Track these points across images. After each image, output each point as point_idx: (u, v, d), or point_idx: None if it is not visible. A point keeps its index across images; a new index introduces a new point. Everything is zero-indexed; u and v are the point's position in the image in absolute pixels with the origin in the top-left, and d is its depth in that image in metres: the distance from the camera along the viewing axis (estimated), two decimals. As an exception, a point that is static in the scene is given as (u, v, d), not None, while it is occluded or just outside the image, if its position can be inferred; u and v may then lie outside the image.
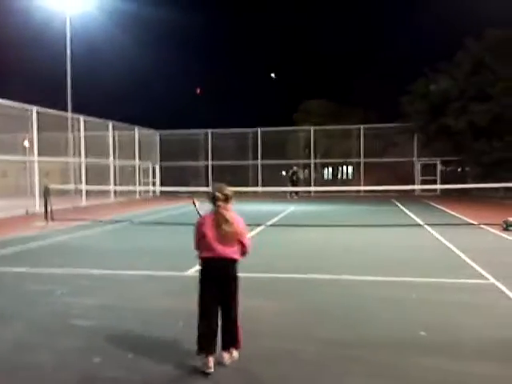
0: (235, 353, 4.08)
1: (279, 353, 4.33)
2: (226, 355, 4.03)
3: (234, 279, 4.07)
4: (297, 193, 25.70)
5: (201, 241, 4.08)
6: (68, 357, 4.25)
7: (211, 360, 3.88)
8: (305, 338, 4.66)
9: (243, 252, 4.14)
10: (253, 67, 57.48)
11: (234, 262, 4.06)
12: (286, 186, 26.76)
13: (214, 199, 4.06)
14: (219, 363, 3.95)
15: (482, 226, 12.54)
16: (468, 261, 8.12)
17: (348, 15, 60.29)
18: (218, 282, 4.03)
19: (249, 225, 11.74)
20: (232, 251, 4.03)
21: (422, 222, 13.61)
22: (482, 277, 7.00)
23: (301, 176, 28.43)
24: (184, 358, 4.14)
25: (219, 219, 4.01)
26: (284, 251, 9.55)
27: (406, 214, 16.55)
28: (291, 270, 7.59)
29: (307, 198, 25.81)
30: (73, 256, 9.18)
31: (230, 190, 4.15)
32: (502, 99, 21.30)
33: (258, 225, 12.99)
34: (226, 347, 4.05)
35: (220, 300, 4.03)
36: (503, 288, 6.32)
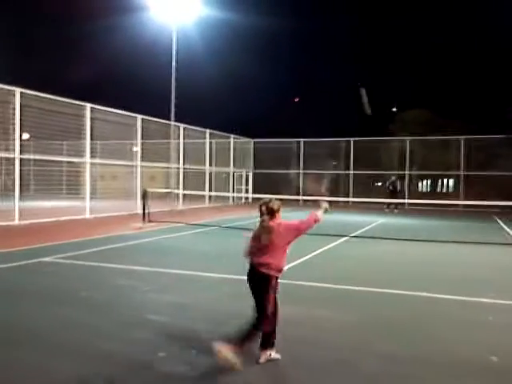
0: (269, 353, 4.29)
1: (334, 363, 4.38)
2: (261, 354, 4.28)
3: (263, 289, 4.30)
4: (396, 205, 23.35)
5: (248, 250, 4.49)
6: (135, 348, 4.65)
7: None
8: (364, 351, 4.65)
9: (309, 226, 4.42)
10: (347, 76, 56.85)
11: (265, 275, 4.31)
12: (381, 197, 24.87)
13: (260, 212, 4.39)
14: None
15: None
16: None
17: (448, 18, 57.43)
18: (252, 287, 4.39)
19: (331, 235, 11.67)
20: (266, 264, 4.30)
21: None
22: None
23: (398, 186, 25.50)
24: (245, 359, 4.36)
25: (260, 231, 4.39)
26: (361, 263, 9.44)
27: (507, 231, 15.41)
28: (365, 283, 7.50)
29: (401, 211, 24.91)
30: (160, 256, 9.85)
31: (276, 203, 4.41)
32: None
33: (342, 235, 12.91)
34: (262, 346, 4.30)
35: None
36: None
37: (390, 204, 23.26)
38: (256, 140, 31.73)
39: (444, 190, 36.75)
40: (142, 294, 6.65)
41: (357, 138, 29.03)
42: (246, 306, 6.07)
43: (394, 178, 25.34)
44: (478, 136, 26.57)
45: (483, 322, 5.64)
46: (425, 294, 6.88)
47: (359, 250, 11.15)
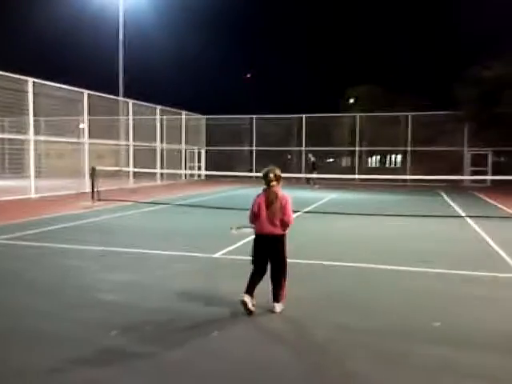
0: (280, 305, 4.93)
1: (287, 333, 4.45)
2: (275, 305, 4.93)
3: (280, 249, 4.94)
4: (315, 180, 24.12)
5: (255, 217, 4.94)
6: (86, 328, 4.54)
7: (247, 299, 4.80)
8: (319, 322, 4.74)
9: (285, 225, 4.92)
10: (299, 53, 56.84)
11: (279, 236, 4.94)
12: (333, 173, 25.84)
13: (267, 180, 4.88)
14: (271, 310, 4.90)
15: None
16: (502, 254, 7.88)
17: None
18: (268, 251, 4.95)
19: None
20: (277, 228, 4.90)
21: (463, 214, 13.23)
22: (513, 271, 6.80)
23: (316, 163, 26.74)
24: (199, 335, 4.35)
25: (271, 196, 4.87)
26: (313, 238, 9.61)
27: (450, 205, 16.10)
28: (317, 256, 7.64)
29: (350, 186, 25.47)
30: (109, 235, 9.62)
31: (279, 170, 4.97)
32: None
33: (295, 211, 13.05)
34: (274, 299, 4.94)
35: (269, 262, 4.97)
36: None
37: (309, 179, 24.41)
38: (208, 116, 31.35)
39: (392, 165, 37.79)
40: (91, 274, 6.48)
41: (309, 115, 29.23)
42: (196, 284, 6.08)
43: (310, 155, 26.34)
44: (425, 112, 27.36)
45: (429, 291, 5.87)
46: (376, 266, 7.09)
47: (311, 225, 11.31)
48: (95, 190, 15.15)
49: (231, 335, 4.38)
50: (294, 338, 4.43)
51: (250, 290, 4.91)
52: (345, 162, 34.98)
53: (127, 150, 23.99)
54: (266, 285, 5.00)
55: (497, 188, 22.83)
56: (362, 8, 64.64)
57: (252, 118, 30.43)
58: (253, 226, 5.06)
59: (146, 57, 39.10)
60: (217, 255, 7.62)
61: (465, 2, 46.66)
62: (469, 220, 11.95)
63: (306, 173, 26.52)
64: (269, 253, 4.97)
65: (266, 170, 4.98)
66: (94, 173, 15.14)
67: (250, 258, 5.06)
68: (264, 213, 4.88)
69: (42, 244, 8.51)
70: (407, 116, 28.17)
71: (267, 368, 3.74)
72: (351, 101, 36.80)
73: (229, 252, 7.85)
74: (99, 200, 15.04)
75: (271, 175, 4.88)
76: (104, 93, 21.86)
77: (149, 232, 10.15)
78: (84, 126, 20.26)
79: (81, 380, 3.54)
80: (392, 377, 3.63)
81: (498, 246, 8.51)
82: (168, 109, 27.29)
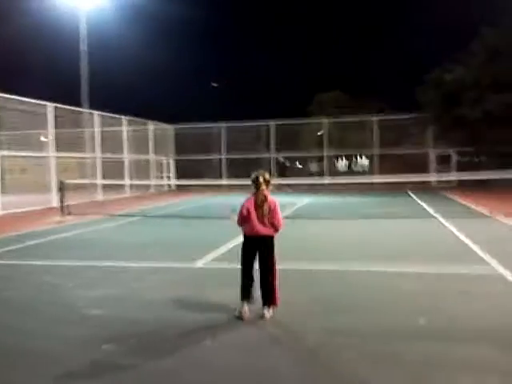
0: (271, 310, 4.92)
1: (279, 339, 4.43)
2: (265, 311, 4.91)
3: (270, 251, 5.01)
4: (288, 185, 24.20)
5: (244, 220, 4.95)
6: (74, 343, 4.40)
7: (246, 306, 4.90)
8: (308, 326, 4.73)
9: (275, 229, 5.00)
10: (265, 60, 57.29)
11: (270, 238, 5.01)
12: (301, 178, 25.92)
13: (256, 184, 4.94)
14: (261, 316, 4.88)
15: (495, 216, 12.43)
16: (476, 250, 8.10)
17: (362, 5, 59.63)
18: (258, 253, 5.00)
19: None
20: (268, 229, 4.96)
21: (433, 213, 13.55)
22: (488, 266, 6.98)
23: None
24: (189, 344, 4.28)
25: (260, 199, 4.91)
26: (292, 243, 9.63)
27: (419, 204, 16.47)
28: (297, 260, 7.66)
29: (320, 190, 25.71)
30: (85, 249, 9.39)
31: (267, 174, 5.06)
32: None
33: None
34: (265, 303, 4.94)
35: (259, 266, 5.00)
36: (510, 278, 6.31)
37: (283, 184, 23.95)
38: (176, 126, 31.11)
39: (359, 168, 38.39)
40: (69, 291, 6.28)
41: (277, 121, 29.40)
42: (180, 293, 5.99)
43: (282, 159, 26.54)
44: (389, 116, 27.99)
45: (411, 290, 5.97)
46: (356, 268, 7.16)
47: (292, 230, 11.32)
48: (65, 204, 14.80)
49: (222, 343, 4.33)
50: (286, 343, 4.41)
51: (246, 295, 4.96)
52: (313, 166, 35.32)
53: (94, 163, 23.52)
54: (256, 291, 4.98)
55: (462, 187, 23.49)
56: (326, 14, 65.78)
57: (221, 126, 30.39)
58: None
59: (110, 67, 38.54)
60: (198, 265, 7.54)
61: (425, 6, 48.17)
62: (440, 219, 12.24)
63: (276, 177, 26.36)
64: (260, 254, 5.00)
65: (255, 174, 5.03)
66: (63, 187, 14.77)
67: (241, 263, 5.08)
68: (254, 215, 4.92)
69: (14, 262, 8.22)
70: (372, 120, 28.73)
71: (263, 375, 3.71)
72: (318, 107, 37.25)
73: (209, 262, 7.78)
74: (69, 214, 14.69)
75: (261, 179, 4.94)
76: (66, 104, 21.39)
77: (124, 245, 9.95)
78: (50, 139, 19.75)
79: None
80: (385, 376, 3.65)
81: (472, 243, 8.74)
82: (135, 119, 26.96)
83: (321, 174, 30.48)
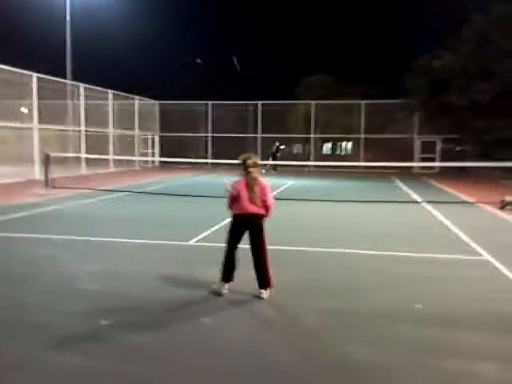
0: (268, 291, 4.98)
1: (279, 319, 4.49)
2: (263, 292, 4.97)
3: (261, 230, 5.01)
4: (275, 168, 24.75)
5: (234, 201, 4.95)
6: (73, 318, 4.41)
7: (227, 286, 5.02)
8: (303, 306, 4.82)
9: (267, 210, 5.02)
10: (254, 38, 56.52)
11: (261, 216, 5.01)
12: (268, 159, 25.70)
13: (245, 166, 4.92)
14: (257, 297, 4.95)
15: (479, 204, 12.68)
16: (463, 237, 8.27)
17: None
18: (249, 232, 4.99)
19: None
20: (260, 209, 4.96)
21: (419, 199, 13.76)
22: (476, 253, 7.15)
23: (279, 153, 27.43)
24: (181, 318, 4.31)
25: (251, 182, 4.91)
26: (280, 224, 9.68)
27: (404, 190, 16.68)
28: (286, 242, 7.73)
29: (305, 172, 25.83)
30: (73, 223, 9.31)
31: (257, 157, 5.05)
32: (505, 77, 21.13)
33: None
34: (261, 286, 4.98)
35: (251, 246, 5.01)
36: (497, 264, 6.48)
37: (265, 164, 24.18)
38: (161, 102, 30.66)
39: (343, 152, 38.53)
40: (65, 264, 6.25)
41: (265, 101, 29.24)
42: (177, 271, 6.01)
43: (277, 143, 27.22)
44: (377, 101, 28.08)
45: (405, 273, 6.09)
46: (344, 250, 7.27)
47: (281, 211, 11.38)
48: (49, 177, 14.58)
49: (221, 322, 4.37)
50: (285, 324, 4.48)
51: (227, 277, 5.03)
52: (296, 148, 35.31)
53: (77, 136, 23.11)
54: (252, 271, 5.03)
55: (445, 174, 23.88)
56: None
57: (207, 103, 30.09)
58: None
59: (95, 40, 37.61)
60: (191, 242, 7.55)
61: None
62: (426, 205, 12.44)
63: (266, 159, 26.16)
64: (251, 233, 4.99)
65: (244, 156, 5.01)
66: (48, 160, 14.52)
67: (226, 243, 5.09)
68: (245, 195, 4.90)
69: (3, 234, 8.11)
70: (360, 104, 28.79)
71: (262, 354, 3.77)
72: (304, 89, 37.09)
73: (202, 239, 7.79)
74: (54, 187, 14.49)
75: (249, 161, 4.93)
76: (50, 75, 20.83)
77: (114, 220, 9.89)
78: (33, 110, 19.28)
79: (71, 366, 3.44)
80: (384, 357, 3.75)
81: (460, 230, 8.91)
82: (120, 93, 26.49)
83: (305, 156, 30.58)
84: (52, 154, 15.43)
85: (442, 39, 24.13)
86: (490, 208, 11.90)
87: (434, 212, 11.18)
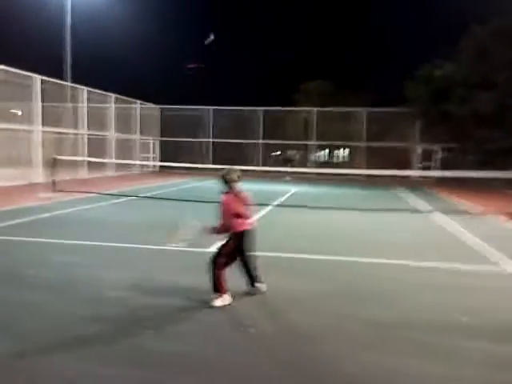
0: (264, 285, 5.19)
1: (329, 330, 4.40)
2: (261, 286, 5.16)
3: (253, 240, 5.14)
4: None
5: (237, 218, 4.86)
6: (118, 325, 4.31)
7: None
8: (348, 317, 4.72)
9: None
10: (253, 46, 56.63)
11: (253, 229, 5.10)
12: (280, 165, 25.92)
13: (229, 180, 4.91)
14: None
15: (485, 214, 12.67)
16: (487, 247, 8.21)
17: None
18: (247, 244, 5.04)
19: (257, 204, 11.65)
20: (252, 222, 5.10)
21: (429, 208, 13.74)
22: (505, 263, 7.09)
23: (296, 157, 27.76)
24: (223, 326, 4.22)
25: (241, 196, 4.97)
26: (294, 232, 9.60)
27: (413, 199, 16.67)
28: (300, 250, 7.64)
29: (302, 179, 25.69)
30: (86, 228, 9.18)
31: (237, 170, 5.04)
32: (505, 88, 21.29)
33: (266, 205, 13.00)
34: (257, 281, 5.15)
35: (242, 254, 5.05)
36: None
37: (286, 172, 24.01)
38: (163, 107, 30.51)
39: (340, 160, 38.48)
40: (88, 270, 6.12)
41: (266, 108, 29.19)
42: (199, 278, 5.86)
43: (289, 152, 27.64)
44: (378, 109, 28.11)
45: (434, 285, 6.02)
46: (364, 259, 7.19)
47: (286, 218, 11.32)
48: (54, 180, 14.41)
49: (263, 330, 4.28)
50: (333, 336, 4.39)
51: (224, 288, 4.93)
52: (292, 155, 35.17)
53: (76, 139, 22.88)
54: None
55: (443, 183, 23.85)
56: (314, 4, 65.28)
57: (208, 109, 29.98)
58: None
59: (95, 43, 37.41)
60: (212, 249, 7.42)
61: (414, 2, 48.38)
62: (436, 215, 12.40)
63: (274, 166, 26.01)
64: (246, 245, 5.04)
65: (227, 170, 4.99)
66: (55, 163, 14.35)
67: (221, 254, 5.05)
68: (242, 209, 4.97)
69: (18, 238, 7.97)
70: (360, 111, 28.84)
71: (327, 365, 3.68)
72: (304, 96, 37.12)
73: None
74: (59, 191, 14.31)
75: (236, 175, 4.95)
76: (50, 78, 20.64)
77: (127, 225, 9.74)
78: (38, 114, 19.07)
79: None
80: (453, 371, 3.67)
81: (481, 241, 8.87)
82: (122, 97, 26.35)
83: (303, 163, 30.51)
84: (58, 158, 15.24)
85: (442, 48, 24.30)
86: (503, 218, 11.85)
87: (440, 221, 11.15)
